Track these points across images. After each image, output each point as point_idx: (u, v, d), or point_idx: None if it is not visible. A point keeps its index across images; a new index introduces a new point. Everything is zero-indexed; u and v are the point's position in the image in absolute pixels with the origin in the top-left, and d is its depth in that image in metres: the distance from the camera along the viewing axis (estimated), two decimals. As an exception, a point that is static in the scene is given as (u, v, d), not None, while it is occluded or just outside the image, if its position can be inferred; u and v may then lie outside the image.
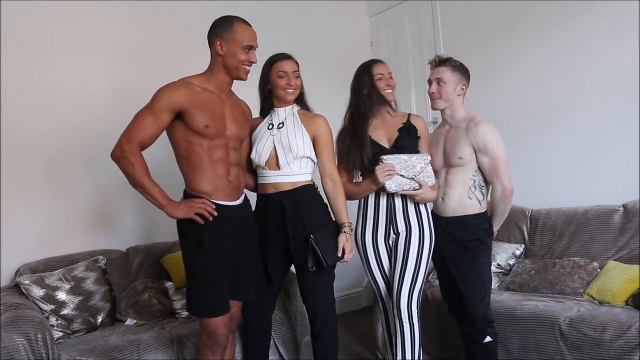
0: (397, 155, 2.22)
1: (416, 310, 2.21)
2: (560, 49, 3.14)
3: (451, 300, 2.38)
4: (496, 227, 2.33)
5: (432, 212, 2.36)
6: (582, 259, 2.72)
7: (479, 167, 2.25)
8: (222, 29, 2.03)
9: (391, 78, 2.36)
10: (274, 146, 2.22)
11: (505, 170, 2.21)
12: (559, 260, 2.79)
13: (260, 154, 2.22)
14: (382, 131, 2.32)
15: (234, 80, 2.10)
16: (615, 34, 2.90)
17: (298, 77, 2.26)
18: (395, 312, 2.22)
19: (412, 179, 2.20)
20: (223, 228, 2.01)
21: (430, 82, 2.32)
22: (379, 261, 2.35)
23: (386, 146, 2.30)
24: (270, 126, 2.27)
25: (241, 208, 2.11)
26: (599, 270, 2.64)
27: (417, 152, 2.28)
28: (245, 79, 2.07)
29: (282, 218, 2.19)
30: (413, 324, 2.20)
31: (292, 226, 2.19)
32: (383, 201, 2.31)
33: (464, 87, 2.30)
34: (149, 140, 1.96)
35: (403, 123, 2.32)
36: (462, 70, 2.30)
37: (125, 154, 1.92)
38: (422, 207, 2.30)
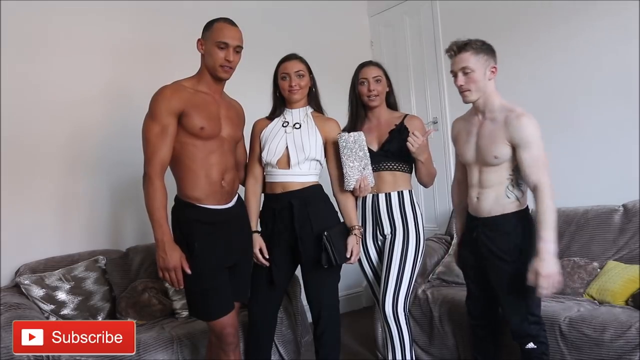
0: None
1: (403, 314, 2.21)
2: (561, 49, 3.14)
3: (478, 307, 2.19)
4: (548, 239, 1.86)
5: (467, 212, 2.14)
6: (582, 259, 2.72)
7: (517, 166, 1.93)
8: (205, 29, 2.04)
9: (378, 82, 2.30)
10: (287, 145, 2.21)
11: (547, 168, 1.87)
12: (559, 260, 2.77)
13: (274, 152, 2.21)
14: (374, 134, 2.32)
15: (225, 81, 2.08)
16: (616, 34, 2.90)
17: (303, 76, 2.23)
18: (382, 315, 2.23)
19: (361, 162, 2.16)
20: (213, 232, 2.00)
21: (454, 74, 1.97)
22: (370, 262, 2.38)
23: (374, 149, 2.30)
24: (286, 124, 2.26)
25: (233, 210, 2.09)
26: (599, 270, 2.64)
27: (407, 154, 2.22)
28: (225, 77, 2.04)
29: (290, 218, 2.19)
30: (400, 327, 2.20)
31: (300, 226, 2.18)
32: (368, 202, 2.33)
33: (494, 70, 1.95)
34: (168, 155, 1.94)
35: (395, 125, 2.30)
36: (487, 50, 1.94)
37: (147, 179, 1.93)
38: (408, 208, 2.30)
